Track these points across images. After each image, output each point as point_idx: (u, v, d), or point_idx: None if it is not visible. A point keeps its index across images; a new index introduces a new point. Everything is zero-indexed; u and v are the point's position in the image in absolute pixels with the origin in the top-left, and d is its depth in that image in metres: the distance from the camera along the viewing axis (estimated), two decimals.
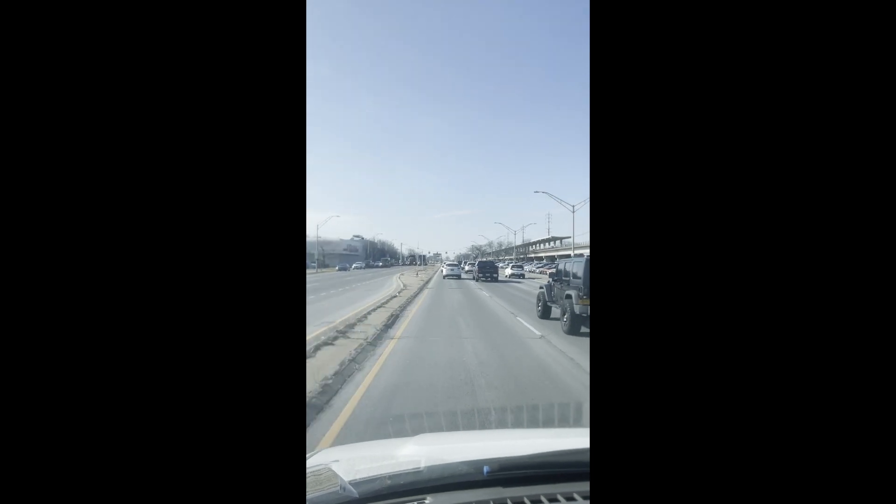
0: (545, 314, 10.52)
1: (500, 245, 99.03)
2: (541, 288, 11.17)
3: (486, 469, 1.06)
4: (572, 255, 18.59)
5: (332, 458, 1.30)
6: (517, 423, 3.75)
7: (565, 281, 9.25)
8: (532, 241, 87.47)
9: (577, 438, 1.37)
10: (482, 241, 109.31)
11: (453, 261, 47.53)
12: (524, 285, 25.10)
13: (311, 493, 1.00)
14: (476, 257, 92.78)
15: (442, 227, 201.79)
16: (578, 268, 8.68)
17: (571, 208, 29.81)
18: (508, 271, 37.07)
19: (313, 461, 1.31)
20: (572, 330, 8.41)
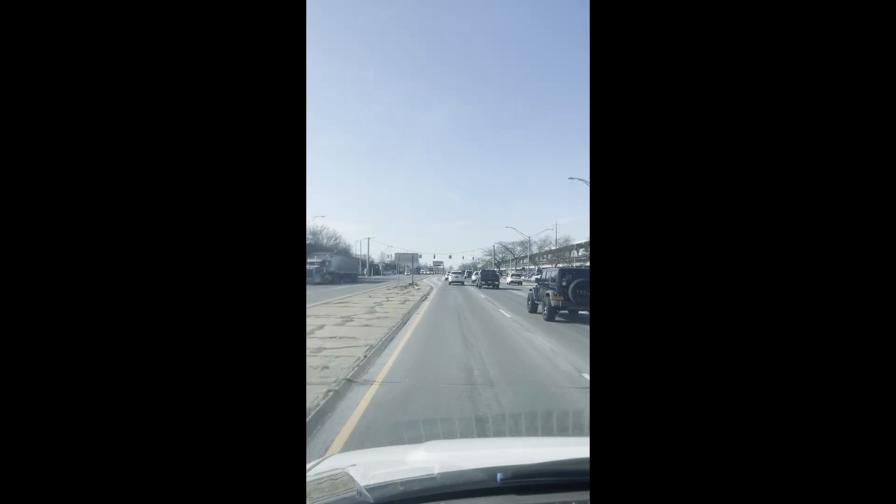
0: (533, 310, 13.99)
1: (543, 245, 74.70)
2: (530, 290, 14.78)
3: (499, 476, 1.05)
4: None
5: (350, 462, 1.31)
6: (531, 431, 3.81)
7: (545, 283, 12.80)
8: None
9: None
10: (509, 240, 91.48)
11: (458, 270, 52.24)
12: (518, 291, 29.84)
13: (328, 498, 1.03)
14: (499, 264, 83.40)
15: (448, 237, 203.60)
16: (554, 274, 12.23)
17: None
18: (508, 279, 41.42)
19: (330, 464, 1.34)
20: (549, 317, 11.90)
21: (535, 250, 71.49)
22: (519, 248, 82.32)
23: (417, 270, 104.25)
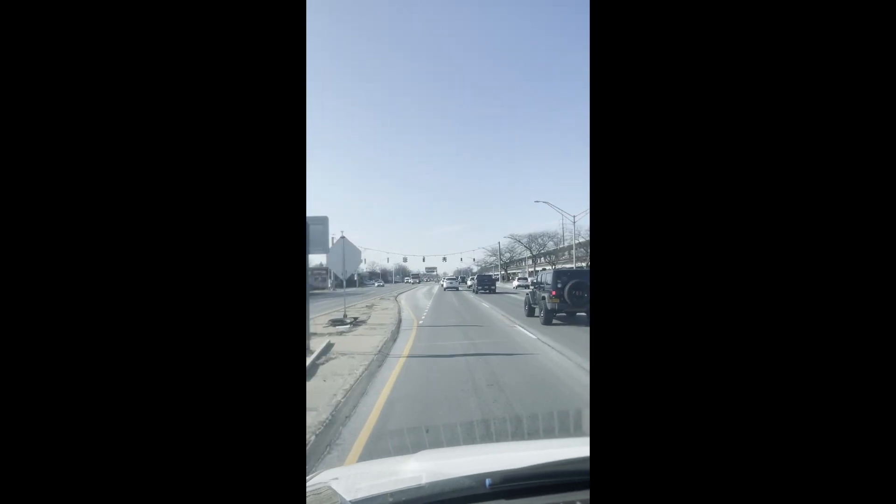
0: (530, 314, 14.01)
1: (558, 242, 54.76)
2: (526, 294, 14.79)
3: (487, 482, 1.06)
4: None
5: (332, 477, 1.31)
6: (517, 435, 3.92)
7: (541, 287, 12.83)
8: None
9: (578, 448, 1.34)
10: (524, 231, 76.45)
11: (452, 276, 53.20)
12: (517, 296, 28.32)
13: None
14: (507, 265, 71.82)
15: (441, 242, 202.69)
16: (548, 277, 12.27)
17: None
18: (515, 283, 41.36)
19: (313, 481, 1.32)
20: (546, 321, 11.92)
21: (551, 246, 56.85)
22: (534, 246, 64.35)
23: (404, 278, 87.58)
